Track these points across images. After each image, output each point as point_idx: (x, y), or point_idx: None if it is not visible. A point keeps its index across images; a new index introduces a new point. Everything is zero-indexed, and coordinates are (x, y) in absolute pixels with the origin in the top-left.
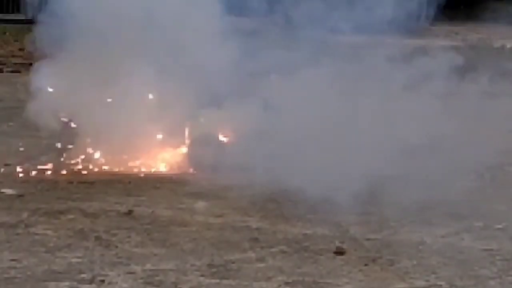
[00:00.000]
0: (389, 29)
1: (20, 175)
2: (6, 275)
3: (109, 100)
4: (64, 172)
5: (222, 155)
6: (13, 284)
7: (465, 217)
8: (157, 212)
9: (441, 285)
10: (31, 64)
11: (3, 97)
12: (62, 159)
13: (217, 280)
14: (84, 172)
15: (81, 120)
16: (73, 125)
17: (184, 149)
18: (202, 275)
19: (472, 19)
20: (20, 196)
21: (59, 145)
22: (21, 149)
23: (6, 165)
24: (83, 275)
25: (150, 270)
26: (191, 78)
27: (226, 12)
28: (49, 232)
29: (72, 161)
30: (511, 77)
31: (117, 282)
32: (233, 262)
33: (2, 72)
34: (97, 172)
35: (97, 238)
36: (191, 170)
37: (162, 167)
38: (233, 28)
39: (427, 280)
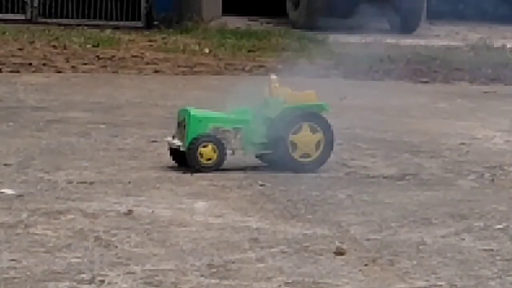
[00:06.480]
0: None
1: (20, 175)
2: (5, 275)
3: None
4: None
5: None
6: (13, 284)
7: (465, 217)
8: (157, 212)
9: (441, 285)
10: (30, 64)
11: (2, 97)
12: None
13: (217, 280)
14: None
15: None
16: None
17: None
18: (202, 275)
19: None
20: (19, 196)
21: None
22: (21, 149)
23: (5, 165)
24: (82, 275)
25: (150, 270)
26: None
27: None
28: (48, 232)
29: None
30: None
31: (116, 282)
32: (233, 262)
33: (1, 72)
34: None
35: (97, 238)
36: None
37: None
38: None
39: (427, 280)
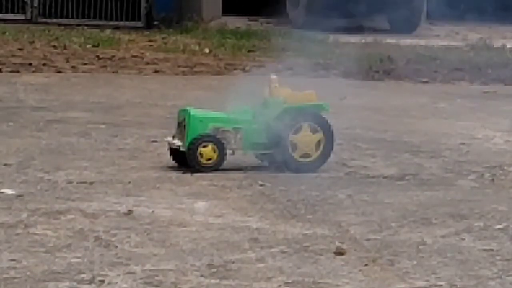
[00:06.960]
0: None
1: (20, 175)
2: (5, 275)
3: None
4: None
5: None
6: (13, 284)
7: (465, 217)
8: (157, 212)
9: (441, 285)
10: (30, 64)
11: (2, 97)
12: None
13: (217, 281)
14: None
15: None
16: None
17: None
18: (202, 275)
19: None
20: (19, 196)
21: None
22: (21, 149)
23: (5, 165)
24: (82, 275)
25: (150, 270)
26: None
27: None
28: (48, 232)
29: None
30: None
31: (116, 282)
32: (233, 262)
33: (1, 72)
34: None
35: (97, 238)
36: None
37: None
38: None
39: (427, 280)
